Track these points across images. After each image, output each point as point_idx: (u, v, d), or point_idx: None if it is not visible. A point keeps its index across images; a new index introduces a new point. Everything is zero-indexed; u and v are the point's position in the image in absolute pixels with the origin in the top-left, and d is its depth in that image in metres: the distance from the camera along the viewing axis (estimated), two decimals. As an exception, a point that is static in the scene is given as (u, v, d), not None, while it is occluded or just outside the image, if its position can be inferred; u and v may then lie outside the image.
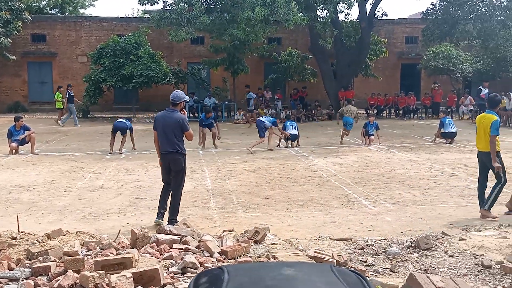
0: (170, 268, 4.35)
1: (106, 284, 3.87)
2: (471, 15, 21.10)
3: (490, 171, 7.22)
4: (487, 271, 5.01)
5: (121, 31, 26.82)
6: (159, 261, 4.48)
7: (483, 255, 5.38)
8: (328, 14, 21.28)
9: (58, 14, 34.25)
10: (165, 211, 6.87)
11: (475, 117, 21.06)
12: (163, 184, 7.03)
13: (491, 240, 5.73)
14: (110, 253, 4.65)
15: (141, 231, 5.06)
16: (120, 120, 14.02)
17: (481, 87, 19.11)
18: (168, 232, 5.25)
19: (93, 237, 5.51)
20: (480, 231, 6.23)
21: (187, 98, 7.14)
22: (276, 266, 1.38)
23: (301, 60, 25.15)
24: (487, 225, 6.60)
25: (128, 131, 13.57)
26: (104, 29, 27.44)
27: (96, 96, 22.59)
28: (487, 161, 7.09)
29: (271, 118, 14.65)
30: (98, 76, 22.24)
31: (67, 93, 20.42)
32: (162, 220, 6.79)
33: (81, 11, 37.86)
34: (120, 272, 4.06)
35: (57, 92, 21.32)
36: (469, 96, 22.78)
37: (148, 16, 25.53)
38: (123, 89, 23.25)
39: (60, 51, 27.21)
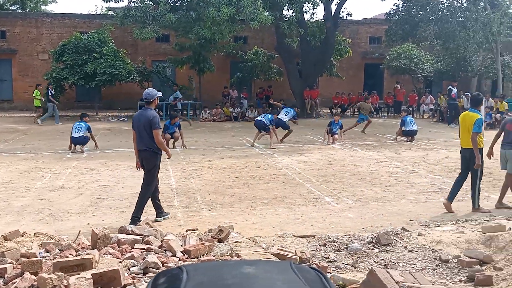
0: (131, 269, 4.30)
1: (64, 286, 3.79)
2: (433, 17, 21.65)
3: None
4: (445, 265, 5.15)
5: (84, 28, 26.28)
6: (120, 262, 4.42)
7: (441, 249, 5.53)
8: (293, 14, 21.42)
9: (19, 11, 33.29)
10: (162, 208, 7.00)
11: (435, 116, 21.69)
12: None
13: (448, 235, 5.89)
14: (70, 254, 4.56)
15: (102, 231, 4.98)
16: (78, 122, 13.59)
17: (451, 87, 19.66)
18: (130, 232, 5.18)
19: (52, 238, 5.39)
20: (438, 226, 6.40)
21: (159, 93, 7.18)
22: (236, 264, 1.37)
23: (267, 59, 25.24)
24: (445, 220, 6.78)
25: (86, 131, 13.26)
26: (66, 26, 26.83)
27: (58, 94, 22.06)
28: (470, 157, 7.33)
29: (269, 116, 14.52)
30: (59, 74, 21.73)
31: (48, 91, 20.28)
32: (162, 218, 6.90)
33: (43, 7, 36.87)
34: (79, 274, 3.98)
35: (36, 90, 21.08)
36: (430, 96, 23.37)
37: (112, 13, 25.11)
38: (86, 87, 22.79)
39: (20, 48, 26.45)
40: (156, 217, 6.97)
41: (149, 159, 6.76)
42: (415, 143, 14.77)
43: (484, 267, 4.95)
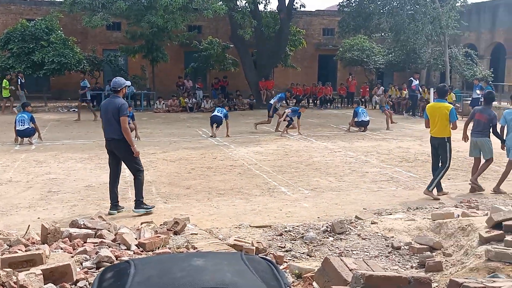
0: (83, 263, 4.18)
1: (13, 282, 3.65)
2: (384, 9, 22.11)
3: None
4: (397, 252, 5.30)
5: (30, 15, 25.25)
6: (72, 257, 4.29)
7: (393, 237, 5.68)
8: (247, 4, 21.35)
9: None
10: (117, 202, 6.87)
11: (382, 107, 22.21)
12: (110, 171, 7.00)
13: (400, 223, 6.06)
14: (19, 249, 4.39)
15: (53, 225, 4.81)
16: (20, 114, 13.06)
17: (412, 78, 20.19)
18: (82, 226, 5.03)
19: (0, 234, 5.16)
20: (390, 214, 6.57)
21: (128, 83, 7.07)
22: (186, 257, 1.36)
23: (222, 49, 25.08)
24: (396, 208, 6.98)
25: (30, 122, 12.76)
26: (12, 13, 25.73)
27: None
28: (440, 145, 7.74)
29: (224, 110, 14.44)
30: (5, 63, 20.81)
31: (18, 79, 20.07)
32: (116, 211, 6.78)
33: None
34: (29, 270, 3.83)
35: (5, 80, 20.60)
36: (381, 87, 23.93)
37: (60, 0, 24.21)
38: (33, 77, 21.93)
39: (-39, 35, 25.13)
40: (110, 209, 6.82)
41: (120, 148, 6.74)
42: (367, 134, 15.11)
43: (434, 253, 5.12)
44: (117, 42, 25.68)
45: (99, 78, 23.85)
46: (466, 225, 5.32)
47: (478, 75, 21.60)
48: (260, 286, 1.24)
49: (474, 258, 4.50)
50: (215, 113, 14.48)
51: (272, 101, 15.76)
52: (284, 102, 15.58)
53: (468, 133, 8.48)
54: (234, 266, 1.30)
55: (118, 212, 6.84)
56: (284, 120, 14.92)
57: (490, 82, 19.75)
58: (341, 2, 24.83)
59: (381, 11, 22.19)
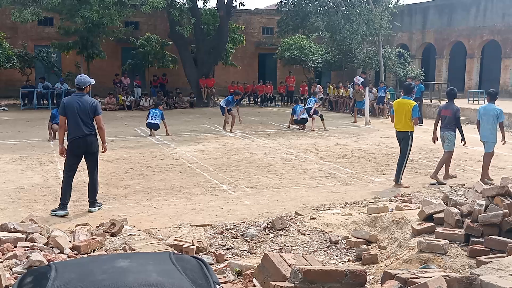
0: (13, 269, 3.97)
1: None
2: (320, 9, 22.56)
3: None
4: (335, 246, 5.43)
5: (-47, 7, 23.67)
6: (1, 262, 4.06)
7: (331, 231, 5.82)
8: (185, 1, 21.10)
9: None
10: (68, 202, 6.77)
11: (324, 105, 22.73)
12: (66, 173, 6.81)
13: (338, 218, 6.21)
14: None
15: (-21, 230, 4.54)
16: None
17: (359, 77, 20.68)
18: (12, 230, 4.78)
19: None
20: (329, 209, 6.72)
21: (92, 81, 6.94)
22: (110, 259, 1.32)
23: (161, 46, 24.67)
24: (334, 204, 7.14)
25: None
26: None
27: None
28: (403, 139, 8.47)
29: (158, 112, 14.01)
30: None
31: None
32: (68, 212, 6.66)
33: None
34: (-48, 279, 3.59)
35: None
36: (318, 85, 24.42)
37: (-13, -8, 22.86)
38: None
39: None
40: (61, 210, 6.65)
41: (93, 142, 6.81)
42: (306, 131, 15.38)
43: (370, 246, 5.29)
44: (49, 37, 24.62)
45: (31, 75, 22.78)
46: (399, 218, 5.53)
47: (410, 74, 22.51)
48: (187, 285, 1.22)
49: (407, 250, 4.69)
50: (150, 120, 13.95)
51: (223, 104, 15.07)
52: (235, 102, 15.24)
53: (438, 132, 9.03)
54: (160, 266, 1.28)
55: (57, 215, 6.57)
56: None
57: (422, 80, 20.61)
58: (279, 2, 25.08)
59: (318, 11, 22.63)
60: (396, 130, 8.64)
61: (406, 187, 8.20)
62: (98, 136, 6.90)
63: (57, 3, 18.33)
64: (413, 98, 9.21)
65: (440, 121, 8.92)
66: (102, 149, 7.11)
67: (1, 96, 23.71)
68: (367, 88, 18.20)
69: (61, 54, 24.17)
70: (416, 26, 29.34)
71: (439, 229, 4.70)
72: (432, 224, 4.95)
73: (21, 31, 25.03)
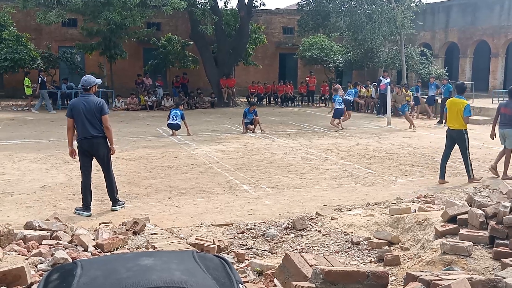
0: (38, 266, 4.05)
1: (-37, 288, 3.49)
2: (342, 8, 22.42)
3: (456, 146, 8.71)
4: (356, 247, 5.39)
5: (-19, 9, 24.23)
6: (26, 259, 4.14)
7: (352, 232, 5.78)
8: (207, 1, 21.20)
9: None
10: (91, 202, 6.84)
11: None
12: (82, 173, 6.85)
13: (359, 218, 6.17)
14: (-31, 254, 4.20)
15: (6, 227, 4.63)
16: None
17: (381, 78, 20.48)
18: (37, 228, 4.87)
19: None
20: (350, 210, 6.67)
21: (98, 81, 6.96)
22: (134, 256, 1.33)
23: (182, 46, 24.84)
24: (355, 204, 7.09)
25: None
26: (-39, 7, 24.58)
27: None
28: (457, 137, 8.56)
29: (179, 113, 14.13)
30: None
31: (39, 78, 20.01)
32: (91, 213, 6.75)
33: None
34: (-20, 274, 3.68)
35: (26, 78, 20.42)
36: (337, 85, 24.21)
37: (13, -5, 23.38)
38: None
39: None
40: (87, 211, 6.74)
41: (101, 144, 6.77)
42: (328, 131, 15.30)
43: (392, 248, 5.24)
44: (73, 39, 25.03)
45: (55, 76, 23.17)
46: (422, 220, 5.46)
47: (433, 73, 22.20)
48: (210, 283, 1.23)
49: (430, 252, 4.63)
50: (171, 120, 14.06)
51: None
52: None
53: (496, 128, 9.14)
54: (184, 264, 1.28)
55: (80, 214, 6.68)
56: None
57: (449, 80, 20.27)
58: (300, 1, 25.00)
59: (339, 10, 22.49)
60: (448, 128, 8.79)
61: (479, 181, 8.44)
62: (105, 138, 6.80)
63: (81, 4, 18.62)
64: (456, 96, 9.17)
65: (499, 118, 9.03)
66: (110, 151, 6.94)
67: (26, 96, 24.16)
68: (388, 87, 18.00)
69: (84, 55, 24.54)
70: (439, 25, 28.93)
71: (463, 231, 4.63)
72: (456, 225, 4.87)
73: (45, 32, 25.48)
